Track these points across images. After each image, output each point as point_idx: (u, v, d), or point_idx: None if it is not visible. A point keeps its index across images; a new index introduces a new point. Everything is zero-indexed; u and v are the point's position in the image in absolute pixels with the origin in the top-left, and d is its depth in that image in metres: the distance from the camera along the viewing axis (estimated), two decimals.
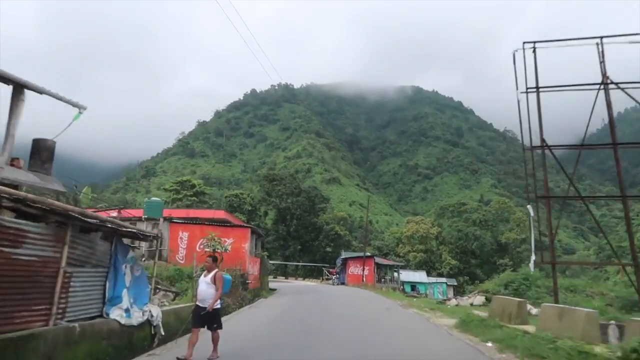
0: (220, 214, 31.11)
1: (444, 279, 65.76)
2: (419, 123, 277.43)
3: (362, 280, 49.05)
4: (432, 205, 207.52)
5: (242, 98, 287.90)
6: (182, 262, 25.98)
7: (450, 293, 61.55)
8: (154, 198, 29.90)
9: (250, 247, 28.24)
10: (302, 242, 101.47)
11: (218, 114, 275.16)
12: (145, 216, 27.06)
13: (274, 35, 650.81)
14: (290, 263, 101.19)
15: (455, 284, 67.95)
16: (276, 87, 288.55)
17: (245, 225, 27.86)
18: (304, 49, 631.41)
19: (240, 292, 23.12)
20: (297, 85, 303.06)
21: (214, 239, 22.94)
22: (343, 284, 57.18)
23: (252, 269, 28.26)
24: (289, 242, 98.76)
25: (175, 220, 27.64)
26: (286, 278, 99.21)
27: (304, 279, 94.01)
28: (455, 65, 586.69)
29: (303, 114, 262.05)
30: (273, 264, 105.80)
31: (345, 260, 56.63)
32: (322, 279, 78.36)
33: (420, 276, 63.50)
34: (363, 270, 49.78)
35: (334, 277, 65.02)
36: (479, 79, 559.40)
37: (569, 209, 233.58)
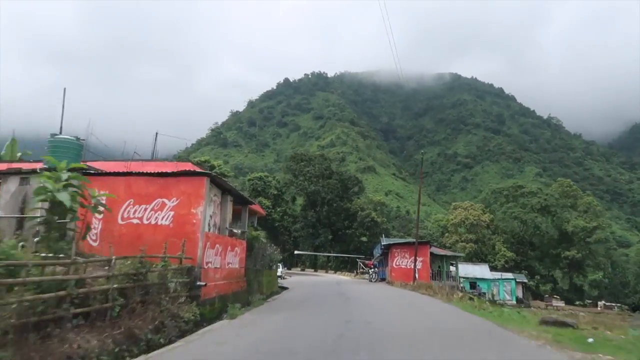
0: (186, 166, 18.08)
1: (510, 275, 51.08)
2: (457, 110, 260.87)
3: (414, 276, 34.78)
4: (472, 195, 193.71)
5: (275, 87, 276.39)
6: (95, 244, 13.40)
7: (519, 292, 47.31)
8: (64, 136, 16.25)
9: (216, 217, 15.35)
10: (334, 230, 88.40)
11: (251, 104, 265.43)
12: (46, 165, 14.75)
13: (307, 22, 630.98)
14: (321, 254, 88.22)
15: (525, 281, 53.21)
16: (309, 76, 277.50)
17: (197, 172, 14.41)
18: (338, 36, 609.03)
19: (167, 308, 9.91)
20: (330, 74, 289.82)
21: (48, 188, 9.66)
22: (384, 280, 43.30)
23: (219, 258, 15.17)
24: (319, 229, 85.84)
25: (90, 172, 14.46)
26: (315, 270, 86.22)
27: (335, 272, 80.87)
28: (496, 51, 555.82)
29: (337, 102, 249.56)
30: (301, 255, 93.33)
31: (387, 249, 41.77)
32: (357, 273, 65.09)
33: (481, 270, 49.18)
34: (415, 262, 35.55)
35: (371, 270, 50.72)
36: (521, 64, 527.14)
37: (620, 200, 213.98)
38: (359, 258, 70.71)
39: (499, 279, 48.02)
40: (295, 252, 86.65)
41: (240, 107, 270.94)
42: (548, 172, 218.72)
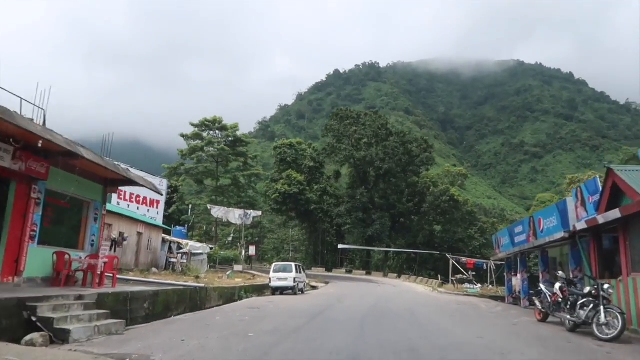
0: None
1: None
2: (522, 97, 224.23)
3: None
4: (543, 188, 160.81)
5: (324, 79, 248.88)
6: None
7: None
8: None
9: None
10: (394, 214, 58.73)
11: (300, 97, 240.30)
12: None
13: (358, 12, 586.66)
14: (376, 249, 58.70)
15: None
16: (360, 67, 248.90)
17: None
18: (391, 25, 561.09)
19: None
20: (382, 64, 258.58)
21: None
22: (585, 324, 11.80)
23: None
24: (372, 214, 56.53)
25: None
26: (369, 274, 56.56)
27: (398, 276, 50.68)
28: (563, 34, 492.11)
29: (390, 92, 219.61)
30: (347, 250, 64.23)
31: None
32: (454, 282, 34.26)
33: None
34: None
35: (543, 288, 14.83)
36: (592, 47, 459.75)
37: None
38: (453, 257, 39.52)
39: None
40: (340, 246, 57.35)
41: (289, 101, 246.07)
42: (632, 162, 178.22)
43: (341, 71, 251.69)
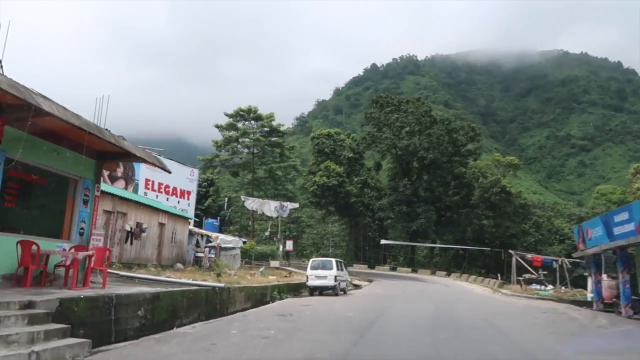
0: None
1: None
2: (567, 88, 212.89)
3: None
4: (592, 182, 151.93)
5: (362, 73, 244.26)
6: None
7: None
8: None
9: None
10: (440, 208, 54.33)
11: (337, 92, 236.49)
12: None
13: (394, 5, 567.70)
14: (421, 244, 54.56)
15: None
16: (398, 60, 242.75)
17: None
18: (429, 17, 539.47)
19: None
20: (420, 57, 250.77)
21: None
22: None
23: None
24: (416, 207, 52.14)
25: None
26: (414, 272, 52.21)
27: (448, 274, 46.28)
28: (609, 20, 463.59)
29: (429, 85, 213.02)
30: (390, 246, 59.99)
31: None
32: (522, 285, 29.52)
33: None
34: None
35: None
36: None
37: None
38: (520, 254, 34.57)
39: None
40: (382, 241, 53.38)
41: (327, 96, 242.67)
42: None
43: (378, 65, 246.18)
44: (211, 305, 12.77)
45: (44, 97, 8.33)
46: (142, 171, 32.22)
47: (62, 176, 10.84)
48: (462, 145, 55.50)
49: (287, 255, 52.50)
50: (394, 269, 52.07)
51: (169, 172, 11.42)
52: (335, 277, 20.64)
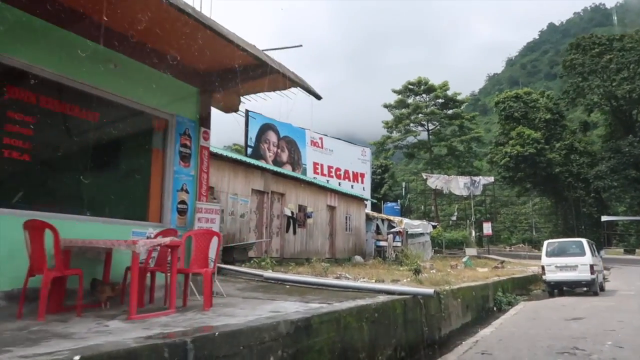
0: None
1: None
2: None
3: None
4: None
5: (537, 37, 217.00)
6: None
7: None
8: None
9: None
10: None
11: (510, 62, 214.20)
12: None
13: None
14: None
15: None
16: (580, 13, 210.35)
17: None
18: None
19: None
20: (609, 4, 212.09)
21: None
22: None
23: None
24: None
25: None
26: None
27: None
28: None
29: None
30: (614, 223, 47.04)
31: None
32: None
33: None
34: None
35: None
36: None
37: None
38: None
39: None
40: (603, 218, 41.92)
41: (498, 69, 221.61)
42: None
43: (556, 24, 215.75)
44: (413, 328, 6.91)
45: None
46: (309, 154, 28.33)
47: (138, 112, 6.14)
48: None
49: (481, 241, 44.68)
50: (630, 251, 39.84)
51: (319, 98, 5.70)
52: (592, 266, 13.17)
